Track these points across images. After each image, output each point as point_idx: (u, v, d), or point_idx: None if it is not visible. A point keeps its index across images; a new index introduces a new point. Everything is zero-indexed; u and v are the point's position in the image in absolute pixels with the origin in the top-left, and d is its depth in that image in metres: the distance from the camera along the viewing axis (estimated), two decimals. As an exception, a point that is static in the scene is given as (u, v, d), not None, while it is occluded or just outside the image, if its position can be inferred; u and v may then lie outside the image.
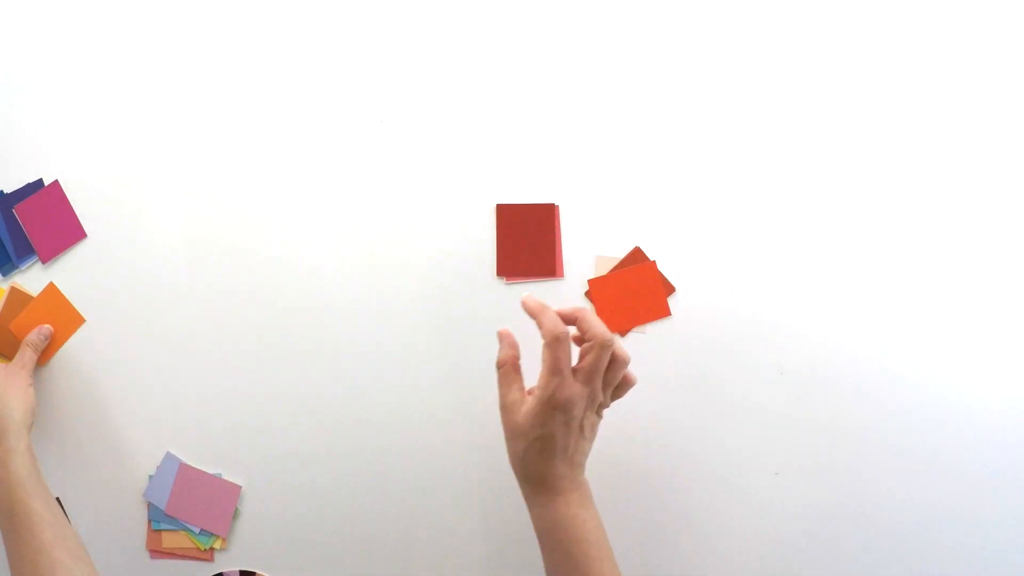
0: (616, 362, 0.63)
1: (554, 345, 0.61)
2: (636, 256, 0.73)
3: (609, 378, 0.63)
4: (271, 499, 0.76)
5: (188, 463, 0.77)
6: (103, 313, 0.77)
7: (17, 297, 0.77)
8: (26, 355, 0.76)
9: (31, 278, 0.78)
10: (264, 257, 0.75)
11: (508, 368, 0.65)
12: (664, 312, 0.72)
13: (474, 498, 0.75)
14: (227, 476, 0.77)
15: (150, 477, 0.78)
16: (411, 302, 0.74)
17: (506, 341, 0.66)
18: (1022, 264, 0.71)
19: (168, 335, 0.77)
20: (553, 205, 0.73)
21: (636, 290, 0.73)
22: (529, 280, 0.73)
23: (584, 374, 0.62)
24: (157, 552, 0.79)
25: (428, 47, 0.73)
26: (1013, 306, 0.71)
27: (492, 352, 0.73)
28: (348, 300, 0.75)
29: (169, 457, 0.77)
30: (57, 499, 0.78)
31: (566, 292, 0.73)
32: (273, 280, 0.75)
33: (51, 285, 0.77)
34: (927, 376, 0.72)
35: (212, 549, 0.78)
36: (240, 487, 0.77)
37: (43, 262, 0.77)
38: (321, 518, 0.76)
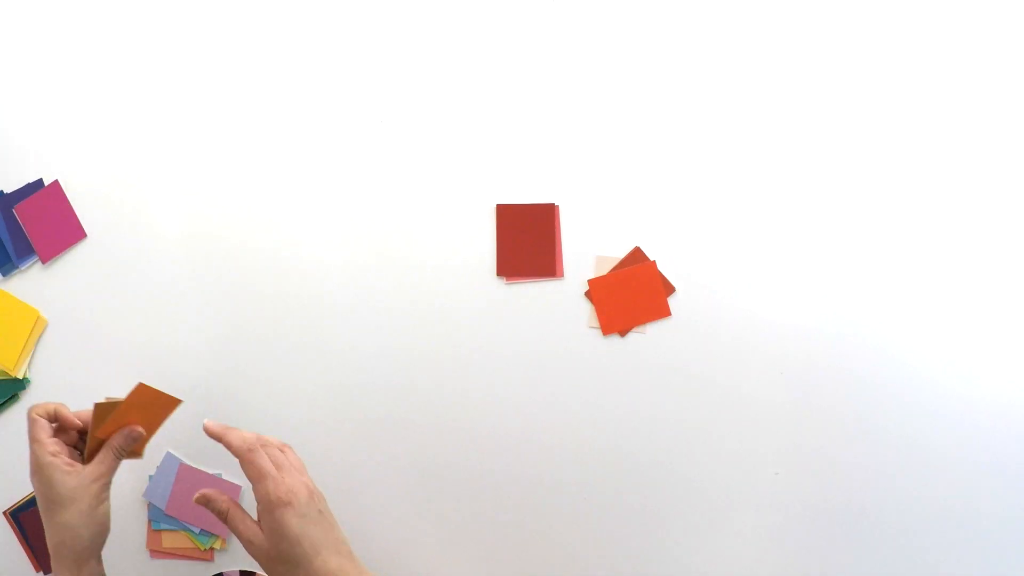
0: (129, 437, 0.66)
1: (249, 456, 0.62)
2: (636, 256, 0.73)
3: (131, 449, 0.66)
4: (271, 499, 0.76)
5: (188, 463, 0.77)
6: (103, 313, 0.77)
7: (103, 410, 0.66)
8: (106, 463, 0.66)
9: (31, 278, 0.78)
10: (264, 257, 0.75)
11: (234, 511, 0.64)
12: (664, 312, 0.72)
13: (473, 497, 0.75)
14: (227, 476, 0.77)
15: (150, 477, 0.78)
16: (411, 302, 0.74)
17: (215, 496, 0.65)
18: (1020, 263, 0.71)
19: (168, 335, 0.77)
20: (553, 205, 0.73)
21: (636, 290, 0.73)
22: (529, 280, 0.73)
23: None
24: (157, 552, 0.79)
25: (428, 47, 0.73)
26: (1012, 304, 0.71)
27: (492, 351, 0.74)
28: (348, 300, 0.75)
29: (169, 457, 0.77)
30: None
31: (566, 292, 0.73)
32: (273, 280, 0.75)
33: (140, 385, 0.66)
34: (927, 376, 0.72)
35: (212, 549, 0.78)
36: (240, 487, 0.77)
37: (43, 262, 0.77)
38: (321, 518, 0.76)
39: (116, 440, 0.67)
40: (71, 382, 0.78)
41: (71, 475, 0.64)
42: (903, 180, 0.71)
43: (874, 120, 0.71)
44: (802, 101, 0.71)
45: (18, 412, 0.78)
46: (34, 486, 0.65)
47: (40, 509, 0.65)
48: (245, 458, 0.62)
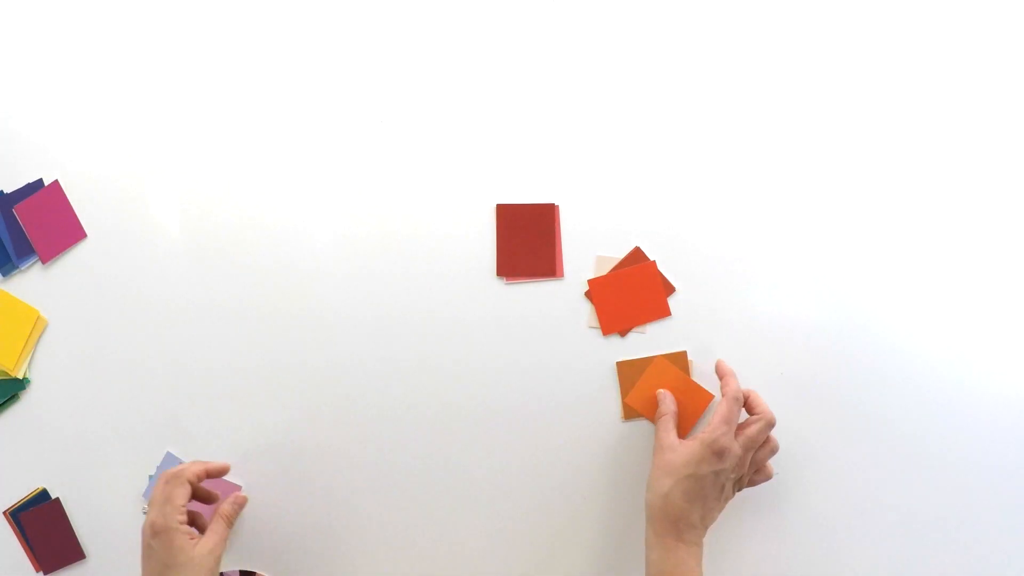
0: (767, 445, 0.69)
1: (732, 402, 0.67)
2: (636, 256, 0.73)
3: (758, 457, 0.68)
4: (271, 499, 0.76)
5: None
6: (103, 313, 0.77)
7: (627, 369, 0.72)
8: (219, 533, 0.69)
9: (31, 278, 0.78)
10: (264, 257, 0.75)
11: (668, 417, 0.69)
12: (664, 312, 0.72)
13: (476, 498, 0.75)
14: (227, 476, 0.77)
15: (150, 477, 0.78)
16: (411, 302, 0.74)
17: (667, 399, 0.71)
18: (1020, 266, 0.71)
19: (168, 335, 0.77)
20: (553, 205, 0.73)
21: (636, 290, 0.73)
22: (529, 280, 0.73)
23: (744, 439, 0.66)
24: (157, 552, 0.78)
25: (428, 47, 0.73)
26: (1013, 304, 0.71)
27: (492, 352, 0.74)
28: (348, 300, 0.75)
29: (169, 457, 0.77)
30: (57, 499, 0.78)
31: (566, 292, 0.73)
32: (273, 280, 0.75)
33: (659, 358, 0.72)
34: (928, 375, 0.72)
35: (212, 549, 0.78)
36: (240, 487, 0.77)
37: (43, 262, 0.77)
38: (321, 518, 0.76)
39: (226, 508, 0.71)
40: (71, 382, 0.78)
41: (193, 545, 0.66)
42: (903, 182, 0.71)
43: (874, 122, 0.71)
44: (802, 100, 0.71)
45: (18, 412, 0.78)
46: (151, 544, 0.66)
47: (150, 569, 0.67)
48: (727, 400, 0.67)
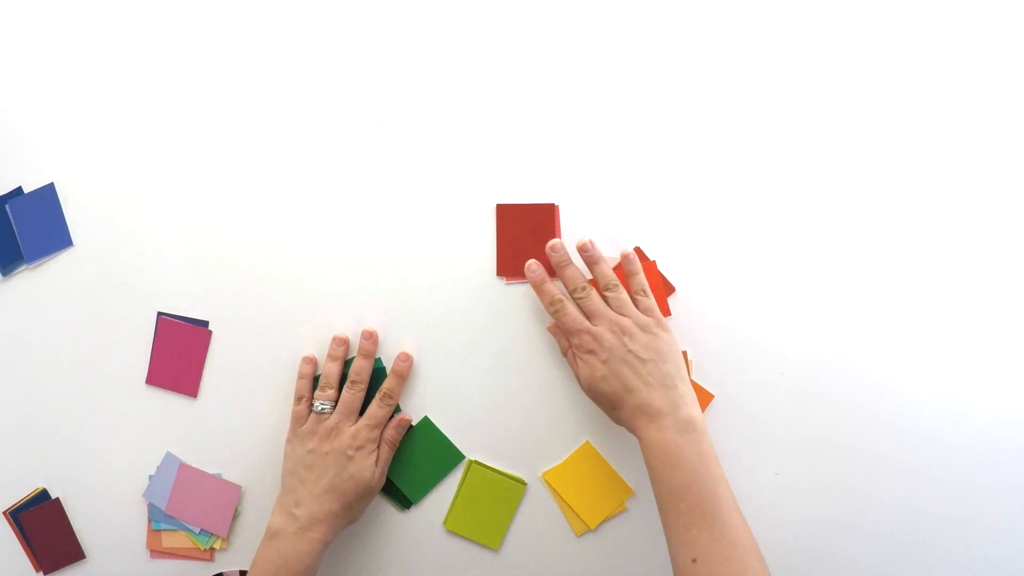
0: (633, 280, 0.70)
1: (554, 313, 0.69)
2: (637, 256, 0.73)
3: (635, 298, 0.69)
4: (271, 499, 0.76)
5: (188, 463, 0.77)
6: (103, 313, 0.77)
7: None
8: (386, 457, 0.73)
9: (29, 278, 0.77)
10: (262, 255, 0.75)
11: (571, 353, 0.70)
12: (664, 312, 0.72)
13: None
14: (227, 476, 0.77)
15: (150, 477, 0.78)
16: (411, 302, 0.74)
17: (560, 334, 0.71)
18: (1020, 274, 0.71)
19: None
20: (553, 205, 0.73)
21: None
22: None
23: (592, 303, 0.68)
24: (157, 552, 0.79)
25: (428, 47, 0.73)
26: (1012, 310, 0.71)
27: (492, 351, 0.73)
28: (348, 301, 0.75)
29: (169, 457, 0.77)
30: (57, 499, 0.78)
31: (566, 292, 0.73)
32: (271, 279, 0.75)
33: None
34: (927, 375, 0.72)
35: (212, 549, 0.78)
36: (240, 487, 0.77)
37: (27, 263, 0.77)
38: (321, 518, 0.76)
39: (390, 434, 0.73)
40: (70, 381, 0.78)
41: (375, 464, 0.72)
42: (904, 184, 0.71)
43: (874, 124, 0.71)
44: (803, 101, 0.71)
45: (18, 412, 0.78)
46: (349, 454, 0.70)
47: (325, 478, 0.70)
48: (552, 315, 0.69)
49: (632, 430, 0.66)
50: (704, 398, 0.72)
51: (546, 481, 0.74)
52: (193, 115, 0.75)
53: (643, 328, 0.67)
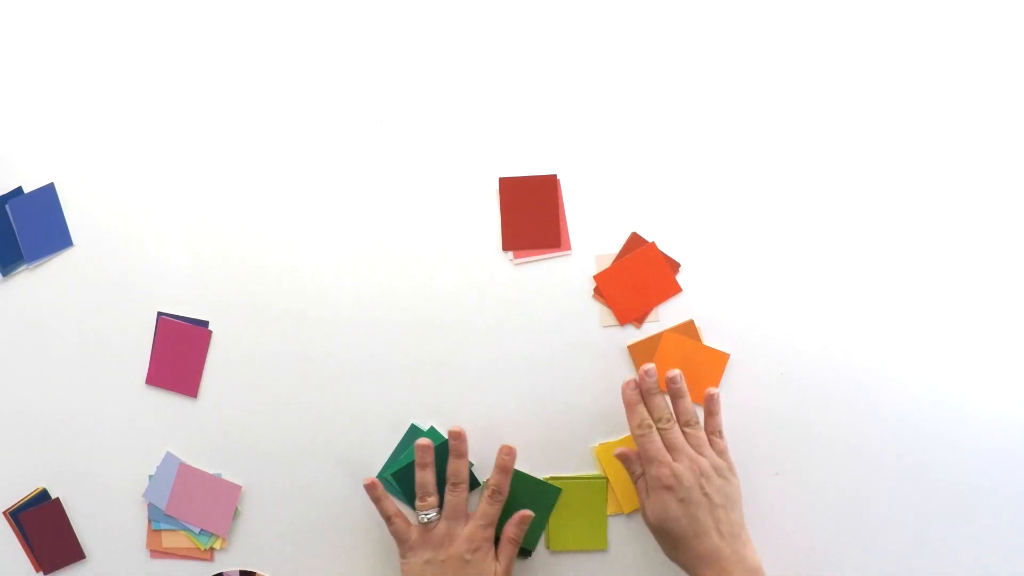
0: (674, 395, 0.69)
1: (639, 437, 0.67)
2: (635, 241, 0.73)
3: (683, 419, 0.68)
4: (271, 499, 0.76)
5: (188, 463, 0.77)
6: (103, 313, 0.77)
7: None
8: (509, 556, 0.71)
9: (29, 278, 0.77)
10: (262, 255, 0.75)
11: (641, 481, 0.69)
12: (675, 289, 0.72)
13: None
14: (227, 476, 0.77)
15: (150, 477, 0.78)
16: (418, 281, 0.74)
17: (633, 460, 0.70)
18: (1021, 272, 0.71)
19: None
20: (554, 176, 0.73)
21: (643, 274, 0.72)
22: (535, 254, 0.73)
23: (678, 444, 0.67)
24: (157, 552, 0.78)
25: (430, 21, 0.73)
26: (1015, 309, 0.71)
27: (499, 327, 0.73)
28: (349, 299, 0.75)
29: (169, 457, 0.77)
30: (57, 499, 0.78)
31: (576, 267, 0.73)
32: (271, 279, 0.75)
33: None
34: (927, 375, 0.72)
35: (212, 549, 0.78)
36: (240, 487, 0.77)
37: (27, 263, 0.77)
38: (321, 518, 0.76)
39: (511, 532, 0.71)
40: (70, 381, 0.78)
41: (494, 567, 0.70)
42: (905, 181, 0.71)
43: (876, 121, 0.71)
44: (806, 100, 0.71)
45: (18, 412, 0.78)
46: (465, 558, 0.68)
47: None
48: (636, 438, 0.68)
49: (692, 574, 0.66)
50: (720, 359, 0.72)
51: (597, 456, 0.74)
52: (193, 115, 0.75)
53: (718, 472, 0.67)
